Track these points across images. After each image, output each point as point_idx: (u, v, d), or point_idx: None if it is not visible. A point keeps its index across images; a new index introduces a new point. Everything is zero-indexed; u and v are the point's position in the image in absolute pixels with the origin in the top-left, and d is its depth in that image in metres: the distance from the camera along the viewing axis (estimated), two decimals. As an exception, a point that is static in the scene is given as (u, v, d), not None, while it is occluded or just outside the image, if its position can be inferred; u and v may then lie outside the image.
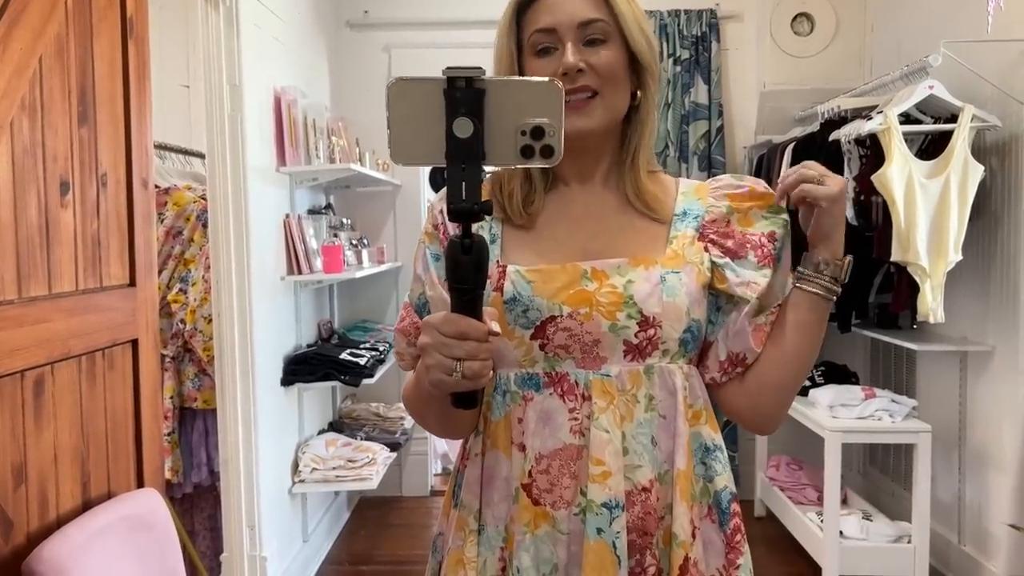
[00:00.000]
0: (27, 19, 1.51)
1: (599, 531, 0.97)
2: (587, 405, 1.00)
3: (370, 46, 4.15)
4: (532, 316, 1.00)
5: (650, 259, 1.03)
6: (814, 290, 1.02)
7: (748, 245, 1.06)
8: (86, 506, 1.70)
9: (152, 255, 1.98)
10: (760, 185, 1.10)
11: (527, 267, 1.02)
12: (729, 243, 1.06)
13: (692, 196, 1.11)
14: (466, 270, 0.82)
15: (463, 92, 0.79)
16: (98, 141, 1.75)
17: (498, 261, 1.04)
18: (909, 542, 2.96)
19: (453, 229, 1.06)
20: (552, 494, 0.99)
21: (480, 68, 0.79)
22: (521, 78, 0.83)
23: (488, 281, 1.00)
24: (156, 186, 2.84)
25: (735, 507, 1.06)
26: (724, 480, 1.05)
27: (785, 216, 1.08)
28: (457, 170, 0.80)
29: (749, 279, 1.04)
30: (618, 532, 0.97)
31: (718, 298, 1.07)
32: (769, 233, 1.06)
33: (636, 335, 1.00)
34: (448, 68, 0.79)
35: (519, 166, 0.83)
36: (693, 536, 1.00)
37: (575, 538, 0.99)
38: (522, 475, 1.01)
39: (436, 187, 4.58)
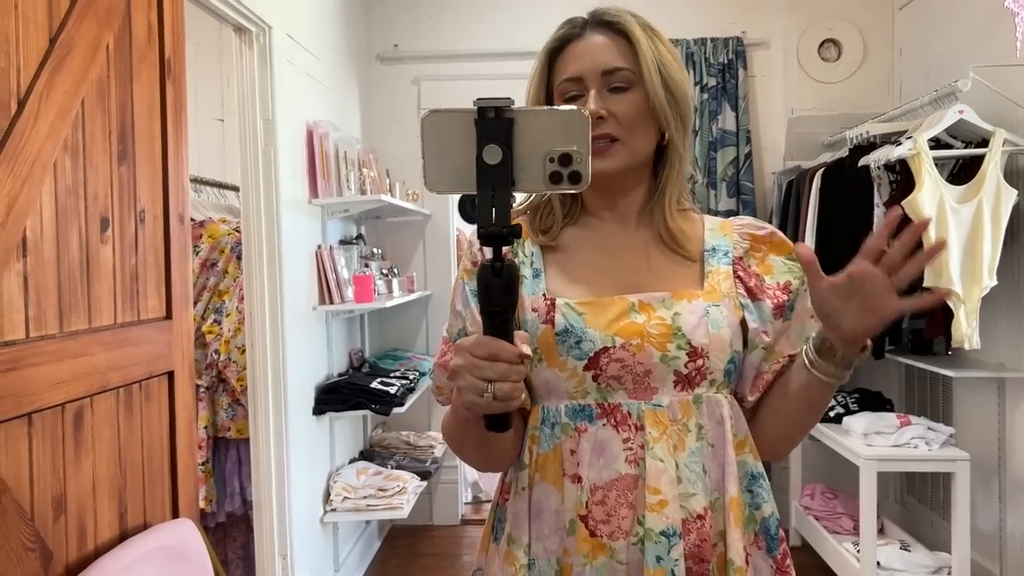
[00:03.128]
0: (71, 63, 1.56)
1: (659, 559, 0.99)
2: (640, 435, 1.02)
3: (400, 79, 4.22)
4: (585, 348, 1.02)
5: (692, 293, 1.06)
6: (828, 379, 1.02)
7: (766, 292, 1.10)
8: (123, 537, 1.72)
9: (188, 288, 2.02)
10: (779, 234, 1.15)
11: (576, 299, 1.05)
12: (752, 283, 1.10)
13: (719, 232, 1.15)
14: (496, 293, 0.84)
15: (493, 121, 0.82)
16: (137, 179, 1.80)
17: (544, 295, 1.06)
18: (950, 574, 2.90)
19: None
20: (609, 525, 1.01)
21: (510, 99, 0.82)
22: (549, 108, 0.86)
23: (536, 314, 1.04)
24: (191, 219, 2.91)
25: (782, 533, 1.09)
26: (770, 507, 1.08)
27: (798, 266, 1.11)
28: (487, 196, 0.82)
29: (762, 327, 1.08)
30: (676, 560, 0.99)
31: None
32: (785, 284, 1.10)
33: (686, 365, 1.03)
34: (479, 99, 0.82)
35: (548, 191, 0.86)
36: (747, 562, 1.03)
37: (633, 568, 1.00)
38: (579, 506, 1.02)
39: (466, 216, 4.62)
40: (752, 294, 1.09)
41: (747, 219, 1.17)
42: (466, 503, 4.42)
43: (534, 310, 1.05)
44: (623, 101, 1.06)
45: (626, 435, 1.02)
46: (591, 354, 1.02)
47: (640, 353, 1.02)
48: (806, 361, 1.03)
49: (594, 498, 1.01)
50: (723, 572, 1.02)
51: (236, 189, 3.13)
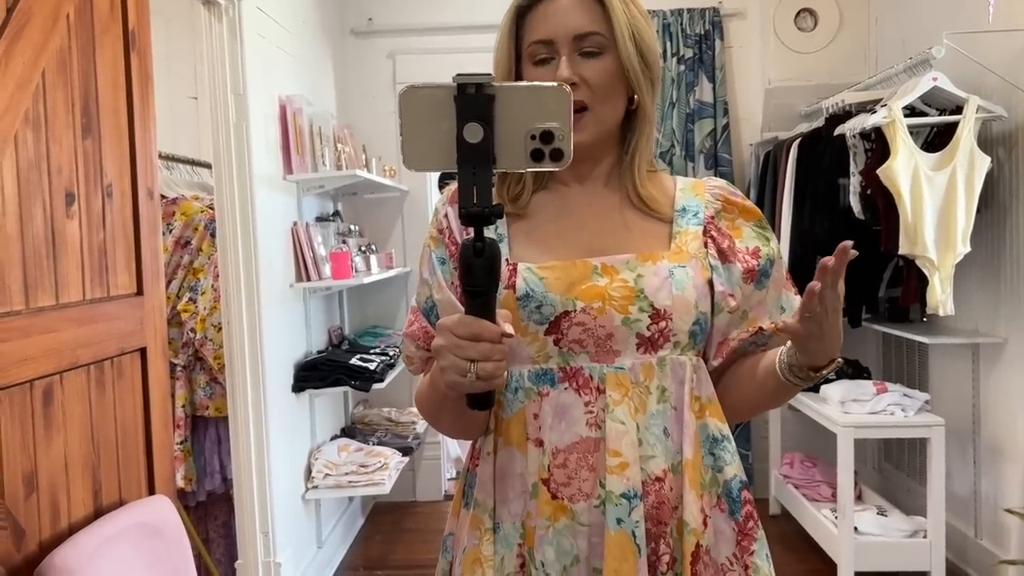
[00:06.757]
0: (29, 34, 1.53)
1: (619, 521, 0.98)
2: (602, 398, 1.01)
3: (375, 53, 4.18)
4: (546, 312, 1.02)
5: (656, 254, 1.05)
6: (796, 382, 1.02)
7: (737, 255, 1.09)
8: (97, 514, 1.71)
9: (159, 264, 2.00)
10: (750, 203, 1.15)
11: (538, 264, 1.04)
12: (725, 244, 1.09)
13: (690, 192, 1.14)
14: (479, 273, 0.83)
15: (473, 98, 0.80)
16: (102, 152, 1.77)
17: (507, 259, 1.05)
18: (925, 537, 2.94)
19: (460, 233, 1.09)
20: (570, 487, 1.01)
21: (490, 75, 0.81)
22: (530, 83, 0.84)
23: None
24: (164, 197, 2.87)
25: (746, 495, 1.08)
26: (733, 469, 1.07)
27: (770, 235, 1.13)
28: (468, 174, 0.81)
29: (728, 290, 1.08)
30: (637, 521, 0.99)
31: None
32: (754, 249, 1.10)
33: (648, 328, 1.02)
34: (458, 75, 0.80)
35: (529, 169, 0.84)
36: (705, 525, 1.02)
37: (595, 530, 1.00)
38: (540, 470, 1.02)
39: (444, 192, 4.60)
40: (723, 256, 1.08)
41: (721, 181, 1.16)
42: (449, 478, 4.43)
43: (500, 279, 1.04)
44: (594, 67, 1.04)
45: (588, 398, 1.02)
46: (552, 318, 1.02)
47: (601, 316, 1.01)
48: (779, 371, 1.02)
49: (555, 461, 1.01)
50: (680, 534, 1.02)
51: (209, 167, 3.09)
